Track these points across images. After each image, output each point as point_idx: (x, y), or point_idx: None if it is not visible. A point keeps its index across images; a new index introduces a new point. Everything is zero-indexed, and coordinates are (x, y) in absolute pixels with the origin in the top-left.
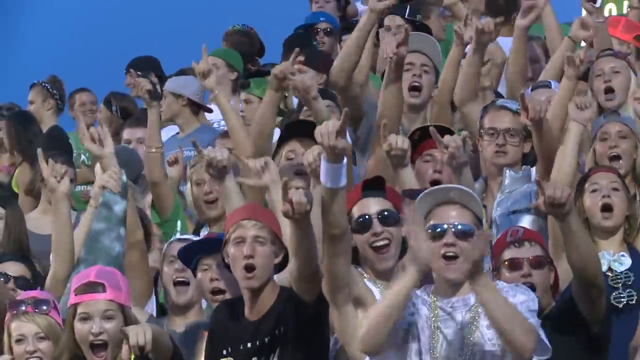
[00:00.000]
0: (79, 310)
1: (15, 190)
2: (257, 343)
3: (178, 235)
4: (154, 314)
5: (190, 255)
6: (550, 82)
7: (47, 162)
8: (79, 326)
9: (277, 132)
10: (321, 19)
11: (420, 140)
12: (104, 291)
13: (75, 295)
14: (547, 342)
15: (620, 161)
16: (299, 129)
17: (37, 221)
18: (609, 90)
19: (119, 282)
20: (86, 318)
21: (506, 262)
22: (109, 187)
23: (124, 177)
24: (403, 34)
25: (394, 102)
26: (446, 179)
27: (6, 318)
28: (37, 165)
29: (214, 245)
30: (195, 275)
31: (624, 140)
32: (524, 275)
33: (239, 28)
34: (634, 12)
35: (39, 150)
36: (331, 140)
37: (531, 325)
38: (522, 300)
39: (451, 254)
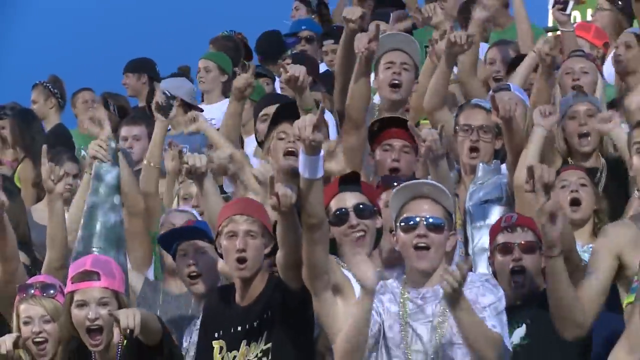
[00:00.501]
0: (76, 297)
1: (18, 184)
2: (247, 327)
3: (176, 207)
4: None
5: (170, 242)
6: (509, 85)
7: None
8: (76, 312)
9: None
10: (303, 27)
11: (379, 131)
12: (99, 279)
13: (72, 283)
14: (508, 344)
15: (589, 138)
16: (288, 112)
17: (42, 212)
18: (577, 88)
19: (113, 270)
20: (82, 305)
21: (499, 246)
22: (99, 157)
23: (113, 144)
24: (374, 31)
25: (361, 95)
26: (404, 167)
27: (15, 300)
28: (39, 161)
29: (191, 232)
30: (174, 260)
31: (592, 118)
32: (514, 259)
33: (227, 34)
34: (603, 14)
35: (44, 148)
36: (308, 133)
37: (496, 337)
38: (490, 302)
39: (423, 244)
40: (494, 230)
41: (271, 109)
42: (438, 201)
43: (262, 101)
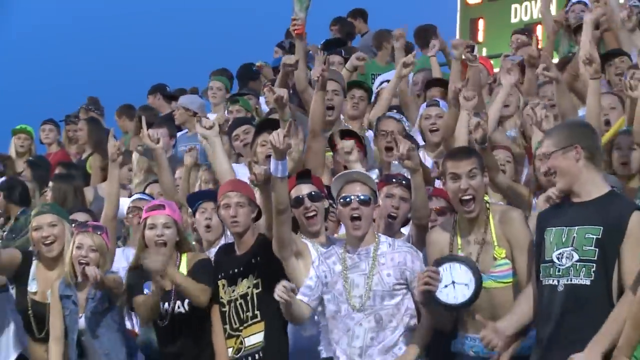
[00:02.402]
0: (148, 222)
1: (89, 170)
2: (242, 268)
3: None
4: None
5: (193, 201)
6: (438, 100)
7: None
8: (147, 232)
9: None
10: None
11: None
12: (164, 209)
13: (146, 212)
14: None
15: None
16: (267, 125)
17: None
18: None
19: (174, 207)
20: (152, 227)
21: None
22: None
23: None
24: (323, 62)
25: (318, 110)
26: (353, 159)
27: (74, 233)
28: (105, 154)
29: (208, 195)
30: (194, 215)
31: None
32: (432, 220)
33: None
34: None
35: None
36: (280, 141)
37: None
38: (420, 268)
39: (356, 214)
40: None
41: (240, 130)
42: (365, 183)
43: (232, 125)
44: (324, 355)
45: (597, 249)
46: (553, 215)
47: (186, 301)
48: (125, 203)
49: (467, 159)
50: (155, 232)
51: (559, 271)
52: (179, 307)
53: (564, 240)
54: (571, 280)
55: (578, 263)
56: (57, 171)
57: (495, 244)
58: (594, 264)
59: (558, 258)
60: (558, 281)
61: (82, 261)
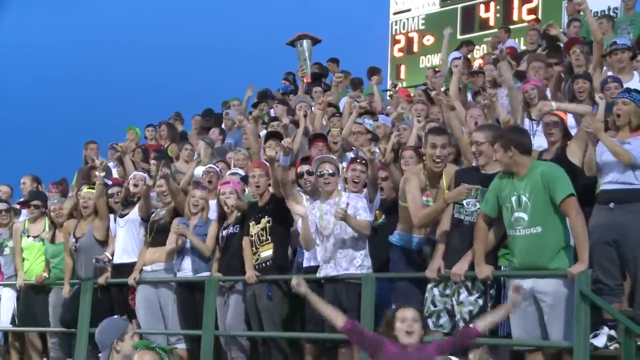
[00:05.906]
0: (221, 191)
1: (170, 154)
2: (262, 213)
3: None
4: None
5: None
6: (379, 117)
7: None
8: (221, 197)
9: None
10: (287, 89)
11: (310, 141)
12: (229, 184)
13: (220, 186)
14: (370, 218)
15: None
16: (272, 135)
17: (180, 167)
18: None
19: (235, 181)
20: (223, 194)
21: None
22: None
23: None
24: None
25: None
26: (324, 151)
27: (192, 189)
28: (180, 146)
29: (243, 177)
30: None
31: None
32: (382, 179)
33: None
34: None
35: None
36: (288, 144)
37: (367, 222)
38: (363, 205)
39: (327, 182)
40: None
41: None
42: (332, 163)
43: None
44: (309, 264)
45: None
46: (467, 178)
47: (237, 225)
48: (199, 171)
49: (443, 135)
50: (225, 196)
51: (467, 212)
52: (231, 230)
53: (472, 194)
54: (473, 218)
55: (478, 209)
56: (153, 154)
57: (445, 188)
58: None
59: (467, 204)
60: (464, 217)
61: (194, 204)
